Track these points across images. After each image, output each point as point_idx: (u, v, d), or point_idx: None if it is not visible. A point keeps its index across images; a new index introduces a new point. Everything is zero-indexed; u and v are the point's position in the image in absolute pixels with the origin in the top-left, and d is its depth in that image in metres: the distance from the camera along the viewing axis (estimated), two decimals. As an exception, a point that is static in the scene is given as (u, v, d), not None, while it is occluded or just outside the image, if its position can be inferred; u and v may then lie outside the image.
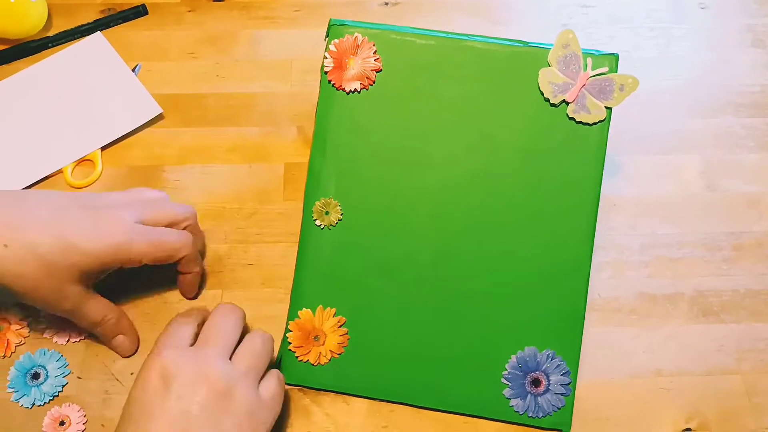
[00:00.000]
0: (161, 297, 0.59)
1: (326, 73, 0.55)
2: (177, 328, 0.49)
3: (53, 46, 0.71)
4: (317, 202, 0.55)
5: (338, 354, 0.54)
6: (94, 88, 0.67)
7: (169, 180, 0.64)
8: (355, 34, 0.54)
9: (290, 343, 0.54)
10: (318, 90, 0.55)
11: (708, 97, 0.70)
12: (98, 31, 0.71)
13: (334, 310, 0.54)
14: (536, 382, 0.53)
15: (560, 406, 0.53)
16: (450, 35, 0.55)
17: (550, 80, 0.54)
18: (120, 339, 0.55)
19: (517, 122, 0.54)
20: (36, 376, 0.55)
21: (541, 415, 0.53)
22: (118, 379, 0.55)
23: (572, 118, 0.54)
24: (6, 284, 0.48)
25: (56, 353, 0.56)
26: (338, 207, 0.54)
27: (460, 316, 0.54)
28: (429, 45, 0.55)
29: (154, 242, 0.52)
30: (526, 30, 0.74)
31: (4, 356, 0.56)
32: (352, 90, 0.54)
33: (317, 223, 0.55)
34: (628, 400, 0.55)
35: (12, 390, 0.55)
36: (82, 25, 0.71)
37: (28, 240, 0.48)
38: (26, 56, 0.70)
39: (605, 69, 0.54)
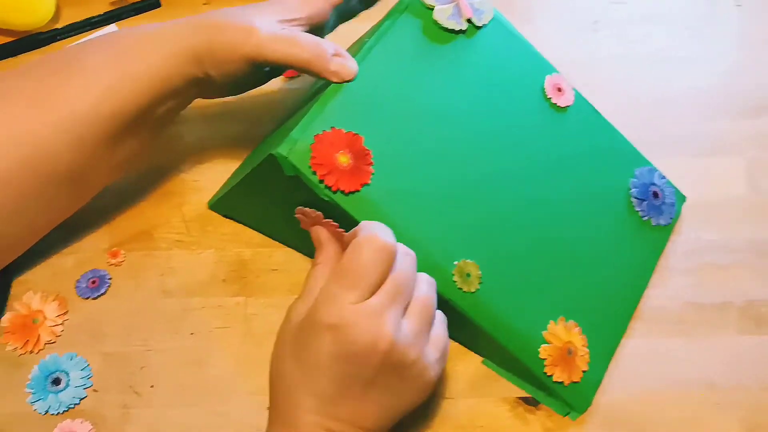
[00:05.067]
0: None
1: None
2: (335, 284, 0.43)
3: (62, 39, 0.67)
4: None
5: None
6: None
7: (188, 180, 0.60)
8: None
9: None
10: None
11: (745, 97, 0.67)
12: (113, 23, 0.67)
13: None
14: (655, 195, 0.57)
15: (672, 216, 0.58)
16: None
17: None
18: (339, 60, 0.48)
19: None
20: (57, 381, 0.51)
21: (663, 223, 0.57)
22: (137, 392, 0.52)
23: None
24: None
25: (83, 360, 0.52)
26: None
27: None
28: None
29: None
30: (555, 28, 0.71)
31: (32, 351, 0.53)
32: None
33: None
34: (678, 414, 0.52)
35: (30, 391, 0.51)
36: (93, 17, 0.68)
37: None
38: (34, 49, 0.67)
39: None
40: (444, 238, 0.48)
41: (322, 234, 0.48)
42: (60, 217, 0.54)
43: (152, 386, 0.52)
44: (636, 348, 0.54)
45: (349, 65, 0.48)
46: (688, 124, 0.65)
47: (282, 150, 0.44)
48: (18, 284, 0.56)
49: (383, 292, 0.42)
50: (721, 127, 0.65)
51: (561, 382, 0.50)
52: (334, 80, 0.48)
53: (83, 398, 0.51)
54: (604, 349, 0.52)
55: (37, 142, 0.48)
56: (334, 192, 0.45)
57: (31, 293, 0.55)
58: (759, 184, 0.62)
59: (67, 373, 0.52)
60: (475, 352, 0.54)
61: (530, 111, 0.54)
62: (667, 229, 0.57)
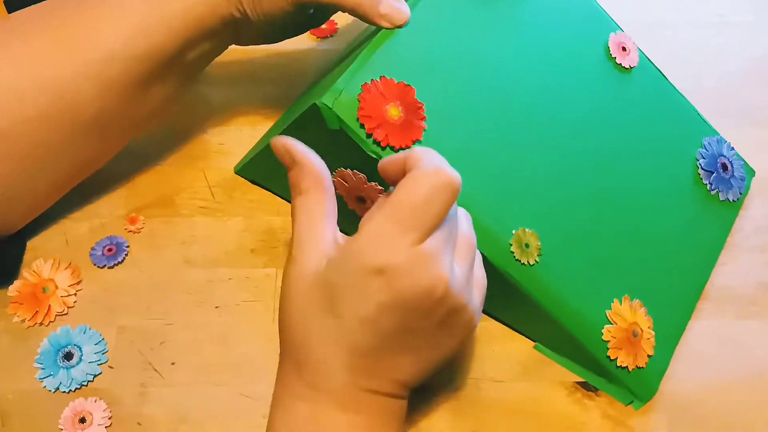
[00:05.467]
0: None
1: None
2: (388, 222, 0.36)
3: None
4: None
5: None
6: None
7: (212, 143, 0.56)
8: None
9: None
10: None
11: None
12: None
13: None
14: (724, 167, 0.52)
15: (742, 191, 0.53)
16: None
17: None
18: (391, 2, 0.43)
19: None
20: (69, 356, 0.47)
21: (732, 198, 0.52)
22: (156, 370, 0.47)
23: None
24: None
25: (97, 334, 0.48)
26: None
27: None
28: None
29: None
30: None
31: (41, 324, 0.48)
32: None
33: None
34: (751, 404, 0.47)
35: (39, 366, 0.47)
36: (111, -31, 0.63)
37: None
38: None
39: None
40: (501, 203, 0.44)
41: (294, 146, 0.39)
42: (82, 172, 0.50)
43: (173, 363, 0.48)
44: (704, 330, 0.49)
45: (401, 9, 0.43)
46: (748, 93, 0.61)
47: (326, 100, 0.40)
48: (27, 251, 0.51)
49: (440, 234, 0.36)
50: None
51: (625, 368, 0.45)
52: (384, 25, 0.43)
53: (97, 375, 0.47)
54: (670, 332, 0.47)
55: (63, 86, 0.44)
56: (384, 148, 0.40)
57: (42, 260, 0.50)
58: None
59: (79, 348, 0.47)
60: (525, 336, 0.49)
61: (592, 70, 0.49)
62: (736, 206, 0.52)
